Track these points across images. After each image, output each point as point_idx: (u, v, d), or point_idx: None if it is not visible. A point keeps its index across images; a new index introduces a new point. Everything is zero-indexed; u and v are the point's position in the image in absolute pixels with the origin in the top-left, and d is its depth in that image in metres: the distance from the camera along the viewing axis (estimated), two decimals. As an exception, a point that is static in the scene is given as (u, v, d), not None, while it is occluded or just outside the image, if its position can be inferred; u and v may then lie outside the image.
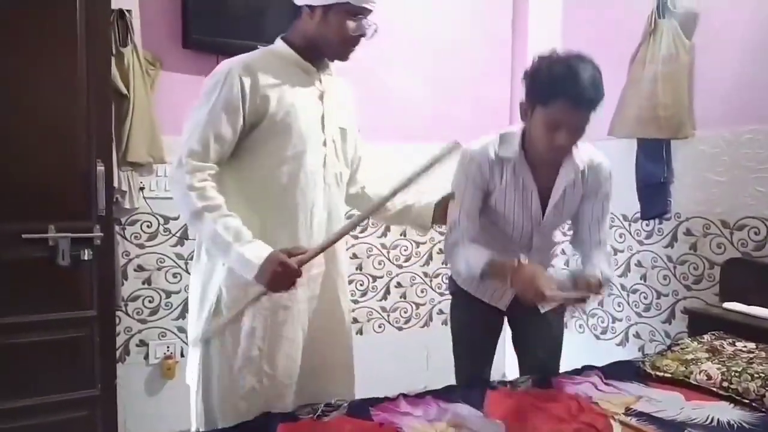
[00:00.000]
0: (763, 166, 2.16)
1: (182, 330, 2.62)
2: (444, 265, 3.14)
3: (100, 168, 2.17)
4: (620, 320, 2.79)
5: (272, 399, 1.52)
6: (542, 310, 1.74)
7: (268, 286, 1.38)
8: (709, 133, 2.34)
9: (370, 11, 1.51)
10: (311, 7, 1.49)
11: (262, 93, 1.45)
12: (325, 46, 1.52)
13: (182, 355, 2.62)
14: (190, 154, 1.40)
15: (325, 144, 1.56)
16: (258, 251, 1.37)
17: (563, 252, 1.95)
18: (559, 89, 1.43)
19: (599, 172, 1.66)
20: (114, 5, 2.24)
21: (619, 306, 2.79)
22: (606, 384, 1.66)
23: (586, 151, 1.64)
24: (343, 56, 1.54)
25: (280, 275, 1.36)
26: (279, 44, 1.56)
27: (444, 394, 1.57)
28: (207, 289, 1.52)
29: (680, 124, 2.39)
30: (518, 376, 1.77)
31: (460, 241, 1.63)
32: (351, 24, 1.48)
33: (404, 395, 1.57)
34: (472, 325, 1.84)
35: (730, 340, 1.80)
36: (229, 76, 1.42)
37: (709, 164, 2.34)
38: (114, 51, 2.28)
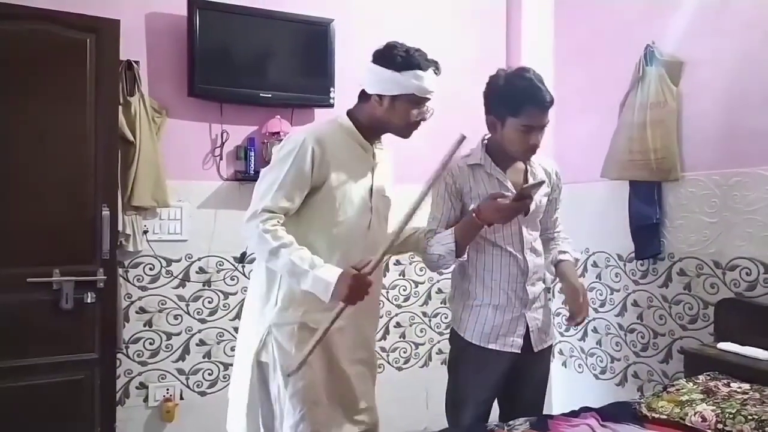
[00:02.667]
0: (751, 208, 2.21)
1: (182, 372, 2.63)
2: (443, 304, 3.17)
3: (106, 212, 2.23)
4: (618, 360, 2.80)
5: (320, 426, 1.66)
6: (536, 349, 1.86)
7: (347, 299, 1.54)
8: (699, 175, 2.41)
9: (429, 99, 1.72)
10: (380, 96, 1.69)
11: (327, 164, 1.65)
12: (391, 128, 1.74)
13: (182, 398, 2.62)
14: (263, 209, 1.60)
15: (371, 211, 1.75)
16: (331, 272, 1.55)
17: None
18: (526, 99, 1.71)
19: (558, 173, 1.99)
20: (122, 56, 2.34)
21: (617, 345, 2.81)
22: (603, 426, 1.67)
23: (541, 158, 1.94)
24: (406, 136, 1.76)
25: (355, 287, 1.53)
26: (345, 120, 1.76)
27: (442, 438, 1.58)
28: (272, 282, 1.69)
29: (670, 166, 2.45)
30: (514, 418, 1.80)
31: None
32: (414, 111, 1.69)
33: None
34: (483, 383, 1.85)
35: (725, 381, 1.82)
36: (302, 146, 1.62)
37: (700, 206, 2.40)
38: (122, 100, 2.37)
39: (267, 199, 1.61)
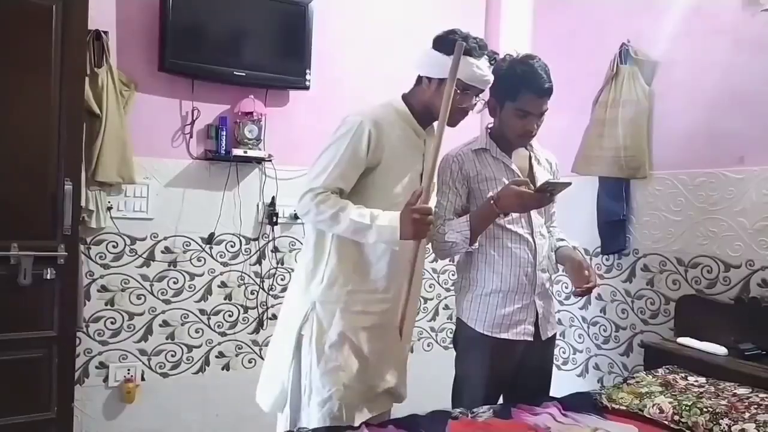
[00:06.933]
0: (715, 208, 2.27)
1: (144, 353, 2.58)
2: (449, 320, 3.25)
3: (68, 187, 2.15)
4: (581, 351, 2.86)
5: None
6: (544, 337, 1.88)
7: (414, 235, 1.56)
8: (666, 174, 2.46)
9: (480, 90, 1.72)
10: (429, 78, 1.71)
11: (382, 147, 1.67)
12: (437, 111, 1.68)
13: (143, 379, 2.57)
14: (319, 187, 1.63)
15: None
16: (391, 216, 1.59)
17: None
18: (524, 85, 1.74)
19: (557, 165, 2.04)
20: (91, 26, 2.25)
21: (580, 338, 2.86)
22: (564, 415, 1.70)
23: (541, 148, 1.99)
24: (452, 124, 1.71)
25: (418, 220, 1.54)
26: (400, 104, 1.76)
27: (407, 424, 1.58)
28: (319, 260, 1.72)
29: (639, 164, 2.50)
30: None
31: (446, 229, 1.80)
32: (460, 98, 1.66)
33: (367, 424, 1.58)
34: (495, 374, 1.85)
35: (683, 375, 1.87)
36: (359, 128, 1.64)
37: (666, 204, 2.45)
38: (88, 71, 2.29)
39: (322, 177, 1.63)
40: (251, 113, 2.60)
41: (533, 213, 1.86)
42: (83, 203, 2.31)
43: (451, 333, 3.12)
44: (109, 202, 2.45)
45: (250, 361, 2.78)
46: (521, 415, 1.69)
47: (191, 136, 2.61)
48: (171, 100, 2.58)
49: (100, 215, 2.41)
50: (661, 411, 1.62)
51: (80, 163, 2.25)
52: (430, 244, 1.85)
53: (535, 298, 1.86)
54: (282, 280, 2.82)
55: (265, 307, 2.80)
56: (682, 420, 1.57)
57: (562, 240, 2.00)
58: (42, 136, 2.13)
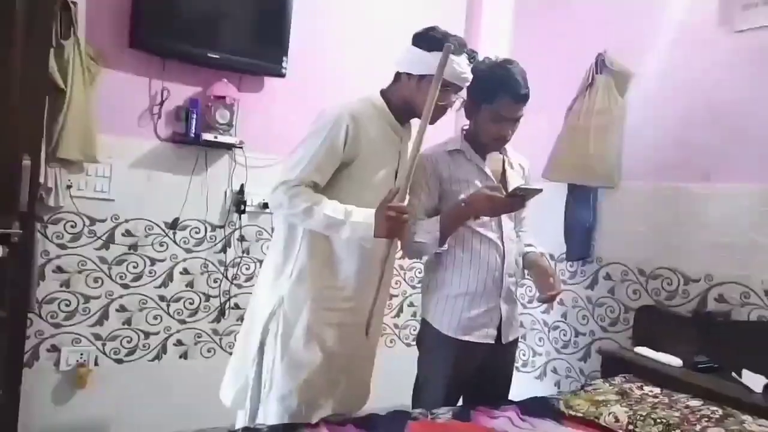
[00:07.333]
0: (679, 221, 2.32)
1: (98, 337, 2.50)
2: (413, 317, 3.24)
3: (26, 162, 2.06)
4: (540, 355, 2.90)
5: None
6: (505, 341, 1.89)
7: (389, 233, 1.54)
8: (635, 185, 2.50)
9: (459, 87, 1.71)
10: (409, 75, 1.69)
11: (359, 142, 1.65)
12: (417, 109, 1.69)
13: (96, 364, 2.50)
14: (293, 180, 1.60)
15: None
16: (366, 213, 1.57)
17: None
18: (502, 89, 1.75)
19: (528, 170, 2.04)
20: (59, -5, 2.16)
21: (540, 341, 2.90)
22: (522, 419, 1.71)
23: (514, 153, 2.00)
24: (431, 121, 1.66)
25: (392, 218, 1.52)
26: (378, 99, 1.74)
27: (365, 423, 1.57)
28: (289, 254, 1.70)
29: (609, 173, 2.53)
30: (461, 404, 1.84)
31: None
32: (440, 95, 1.61)
33: (326, 421, 1.56)
34: (456, 375, 1.85)
35: (639, 384, 1.91)
36: (337, 122, 1.62)
37: (632, 214, 2.50)
38: (54, 43, 2.19)
39: (297, 170, 1.61)
40: (224, 98, 2.54)
41: (504, 217, 1.87)
42: (42, 180, 2.22)
43: (414, 330, 3.12)
44: (69, 180, 2.36)
45: (209, 351, 2.73)
46: (480, 417, 1.69)
47: (159, 117, 2.53)
48: (140, 78, 2.49)
49: (59, 193, 2.32)
50: (617, 420, 1.65)
51: (41, 138, 2.15)
52: (401, 243, 1.84)
53: (501, 302, 1.87)
54: (247, 269, 2.77)
55: (227, 296, 2.74)
56: (637, 430, 1.59)
57: (530, 246, 2.01)
58: (1, 107, 2.03)
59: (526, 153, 2.08)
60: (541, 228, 2.64)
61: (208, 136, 2.51)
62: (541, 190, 1.69)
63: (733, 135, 2.18)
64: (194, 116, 2.52)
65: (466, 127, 1.91)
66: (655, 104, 2.45)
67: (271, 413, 1.66)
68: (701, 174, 2.26)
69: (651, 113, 2.46)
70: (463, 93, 1.76)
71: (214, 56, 2.49)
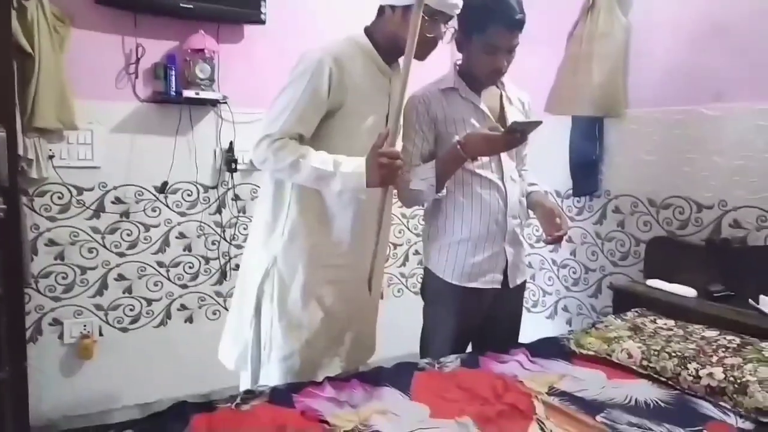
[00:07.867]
0: (690, 147, 2.20)
1: (100, 308, 2.47)
2: (419, 265, 3.17)
3: (2, 134, 1.96)
4: (550, 294, 2.85)
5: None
6: (512, 285, 1.83)
7: (382, 181, 1.45)
8: (641, 112, 2.37)
9: (449, 16, 1.57)
10: (393, 7, 1.56)
11: (344, 87, 1.53)
12: (404, 44, 1.49)
13: (101, 334, 2.47)
14: (276, 133, 1.49)
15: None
16: (357, 162, 1.47)
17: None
18: (494, 17, 1.61)
19: (529, 105, 1.92)
20: (14, -49, 2.01)
21: (550, 280, 2.84)
22: (531, 362, 1.67)
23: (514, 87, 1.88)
24: (420, 56, 1.54)
25: (386, 166, 1.43)
26: (362, 38, 1.61)
27: (371, 378, 1.53)
28: (279, 211, 1.61)
29: (614, 102, 2.39)
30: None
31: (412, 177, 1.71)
32: (428, 26, 1.50)
33: (330, 379, 1.52)
34: (464, 323, 1.80)
35: (652, 318, 1.85)
36: (319, 66, 1.49)
37: (640, 143, 2.37)
38: (15, 4, 2.06)
39: (279, 122, 1.49)
40: (202, 50, 2.41)
41: (504, 156, 1.76)
42: (21, 152, 2.13)
43: (421, 278, 3.07)
44: (50, 150, 2.27)
45: (214, 313, 2.70)
46: (489, 363, 1.65)
47: (137, 77, 2.41)
48: (112, 36, 2.36)
49: (41, 164, 2.24)
50: (630, 356, 1.59)
51: (13, 107, 2.05)
52: (397, 192, 1.75)
53: (506, 245, 1.79)
54: (244, 229, 2.71)
55: (227, 257, 2.69)
56: (651, 365, 1.54)
57: (534, 184, 1.92)
58: (-35, 78, 1.93)
59: (528, 87, 1.95)
60: (546, 164, 2.55)
61: (189, 93, 2.39)
62: (540, 123, 1.58)
63: (744, 53, 2.03)
64: (173, 73, 2.40)
65: (459, 62, 1.78)
66: (661, 24, 2.29)
67: (273, 374, 1.62)
68: (712, 95, 2.13)
69: (656, 34, 2.30)
70: (455, 23, 1.62)
71: (187, 6, 2.34)
